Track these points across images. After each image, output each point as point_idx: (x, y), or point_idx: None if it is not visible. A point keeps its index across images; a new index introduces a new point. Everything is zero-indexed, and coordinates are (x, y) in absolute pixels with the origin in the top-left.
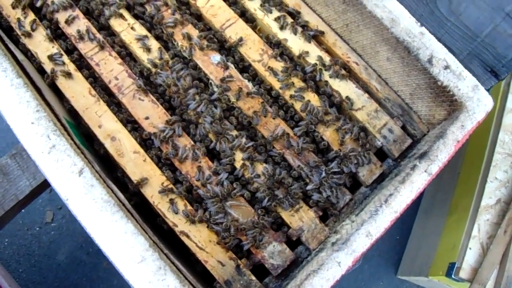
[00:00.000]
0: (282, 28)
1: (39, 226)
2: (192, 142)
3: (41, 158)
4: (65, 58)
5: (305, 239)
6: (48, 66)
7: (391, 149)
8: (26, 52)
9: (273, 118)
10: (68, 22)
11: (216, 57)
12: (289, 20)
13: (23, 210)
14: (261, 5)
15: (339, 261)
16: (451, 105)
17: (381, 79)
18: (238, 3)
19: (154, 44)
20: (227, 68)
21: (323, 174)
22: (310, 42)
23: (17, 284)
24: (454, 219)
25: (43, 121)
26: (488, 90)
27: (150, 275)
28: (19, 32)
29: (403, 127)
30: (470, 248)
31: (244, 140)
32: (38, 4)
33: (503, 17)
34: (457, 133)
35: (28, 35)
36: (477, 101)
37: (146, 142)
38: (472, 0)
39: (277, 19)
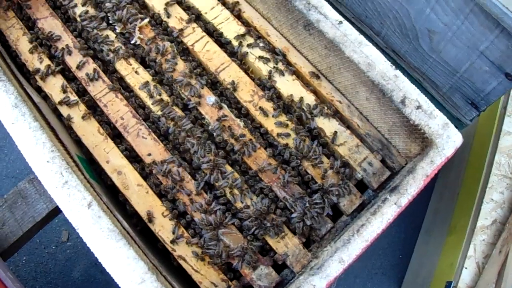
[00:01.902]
0: (270, 72)
1: (55, 245)
2: (190, 176)
3: (55, 192)
4: (77, 101)
5: (290, 263)
6: (62, 108)
7: (370, 181)
8: (41, 93)
9: (264, 149)
10: (79, 67)
11: (211, 98)
12: (275, 63)
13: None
14: (251, 48)
15: (314, 284)
16: (423, 141)
17: (363, 116)
18: (231, 46)
19: (156, 87)
20: (221, 108)
21: (306, 205)
22: (290, 77)
23: None
24: (453, 239)
25: (57, 159)
26: (471, 120)
27: None
28: (36, 77)
29: (383, 161)
30: (466, 268)
31: (231, 180)
32: (53, 51)
33: (478, 55)
34: (427, 168)
35: (44, 79)
36: (447, 138)
37: (148, 176)
38: (449, 39)
39: (261, 58)
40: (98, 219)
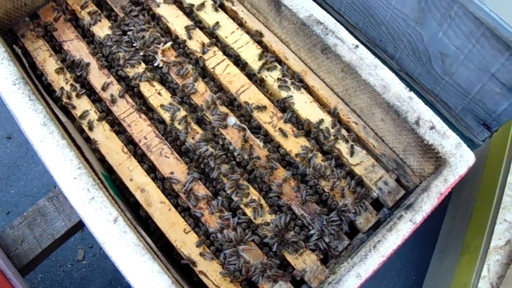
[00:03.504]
0: (289, 95)
1: (71, 263)
2: (211, 194)
3: (82, 208)
4: (100, 121)
5: (308, 279)
6: (87, 128)
7: (386, 200)
8: (68, 114)
9: (284, 169)
10: (104, 88)
11: (232, 119)
12: (291, 84)
13: None
14: (269, 72)
15: None
16: (437, 160)
17: (378, 137)
18: (250, 69)
19: (178, 109)
20: (242, 129)
21: (324, 222)
22: (308, 99)
23: None
24: (466, 259)
25: (84, 176)
26: (483, 140)
27: None
28: (63, 99)
29: (398, 180)
30: None
31: (251, 197)
32: (78, 72)
33: (489, 77)
34: (440, 187)
35: (69, 99)
36: (460, 157)
37: (170, 193)
38: (461, 62)
39: (279, 81)
40: (124, 234)
